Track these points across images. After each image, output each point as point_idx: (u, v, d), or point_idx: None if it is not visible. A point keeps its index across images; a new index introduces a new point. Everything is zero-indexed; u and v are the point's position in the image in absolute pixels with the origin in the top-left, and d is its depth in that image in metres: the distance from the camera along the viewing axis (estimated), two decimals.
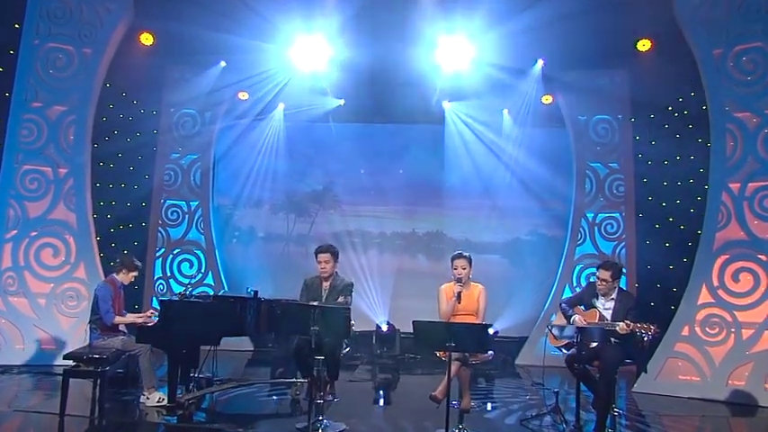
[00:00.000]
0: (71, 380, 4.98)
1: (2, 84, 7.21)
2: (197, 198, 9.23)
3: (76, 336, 7.05)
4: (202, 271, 9.12)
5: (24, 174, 7.20)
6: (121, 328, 5.71)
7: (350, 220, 9.85)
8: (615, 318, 4.97)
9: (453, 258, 5.33)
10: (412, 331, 8.77)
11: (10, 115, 7.15)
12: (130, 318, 5.70)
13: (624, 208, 8.80)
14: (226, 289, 9.11)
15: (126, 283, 5.84)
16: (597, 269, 5.10)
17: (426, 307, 9.18)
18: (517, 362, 8.83)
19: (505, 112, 9.50)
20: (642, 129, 8.80)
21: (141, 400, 5.48)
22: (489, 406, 6.36)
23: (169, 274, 9.05)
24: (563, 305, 5.26)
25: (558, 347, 5.19)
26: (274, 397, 6.22)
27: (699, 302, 6.78)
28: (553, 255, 9.29)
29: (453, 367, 4.68)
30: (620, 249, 8.77)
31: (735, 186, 6.77)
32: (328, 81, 9.18)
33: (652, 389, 6.69)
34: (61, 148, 7.36)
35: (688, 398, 6.56)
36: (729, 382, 6.46)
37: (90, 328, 5.55)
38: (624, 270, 8.63)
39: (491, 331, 8.45)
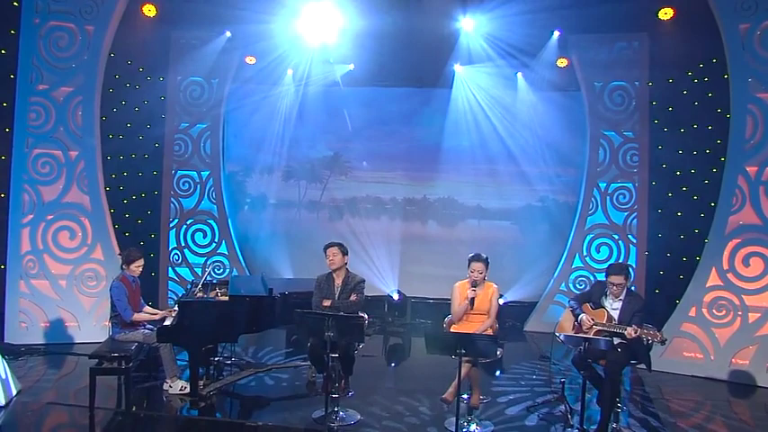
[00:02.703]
0: None
1: (6, 66, 7.07)
2: (208, 168, 9.22)
3: (98, 314, 7.33)
4: (216, 240, 9.25)
5: (36, 158, 7.21)
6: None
7: (361, 186, 9.87)
8: (622, 317, 5.06)
9: (471, 260, 5.33)
10: (423, 298, 9.24)
11: (17, 99, 7.07)
12: (149, 315, 5.87)
13: (637, 178, 8.70)
14: (240, 259, 9.29)
15: (137, 275, 5.93)
16: (608, 275, 5.12)
17: (437, 273, 9.49)
18: (525, 329, 9.06)
19: (519, 75, 9.25)
20: (660, 94, 8.55)
21: (165, 388, 5.74)
22: (498, 373, 6.67)
23: (183, 245, 9.19)
24: (572, 303, 5.33)
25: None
26: (295, 367, 6.54)
27: (707, 285, 6.85)
28: (564, 222, 9.31)
29: (463, 369, 4.82)
30: (632, 219, 8.75)
31: (752, 170, 6.66)
32: (337, 46, 8.93)
33: (656, 366, 6.76)
34: (70, 130, 7.33)
35: (691, 376, 6.77)
36: (732, 362, 6.62)
37: (112, 324, 5.74)
38: (634, 240, 8.72)
39: (501, 302, 8.76)
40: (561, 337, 5.00)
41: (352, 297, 5.48)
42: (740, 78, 6.77)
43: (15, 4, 7.09)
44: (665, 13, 7.75)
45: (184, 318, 5.32)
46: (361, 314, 5.59)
